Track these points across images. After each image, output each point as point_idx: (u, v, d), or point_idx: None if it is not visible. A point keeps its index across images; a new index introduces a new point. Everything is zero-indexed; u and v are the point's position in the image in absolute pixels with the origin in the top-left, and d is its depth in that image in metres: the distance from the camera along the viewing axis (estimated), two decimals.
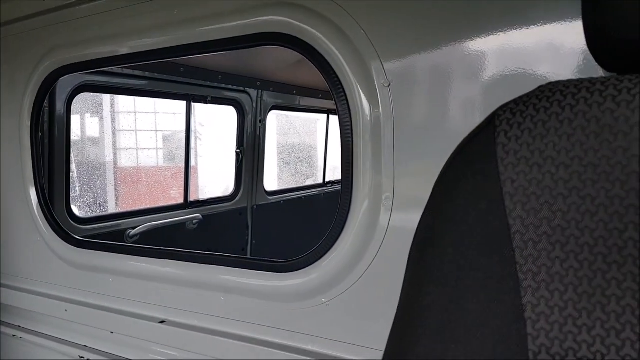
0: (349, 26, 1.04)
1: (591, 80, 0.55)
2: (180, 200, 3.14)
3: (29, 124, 1.66)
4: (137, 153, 3.85)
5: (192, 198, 3.18)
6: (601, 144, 0.52)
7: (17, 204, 1.75)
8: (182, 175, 3.14)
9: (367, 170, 1.06)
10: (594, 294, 0.52)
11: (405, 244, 0.68)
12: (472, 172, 0.59)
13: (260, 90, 3.39)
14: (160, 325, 1.42)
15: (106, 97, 3.34)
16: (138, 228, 2.68)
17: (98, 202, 3.18)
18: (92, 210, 3.12)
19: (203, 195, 3.41)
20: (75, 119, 2.66)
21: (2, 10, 1.57)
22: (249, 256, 3.41)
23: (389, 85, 1.02)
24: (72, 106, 2.29)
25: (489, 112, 0.62)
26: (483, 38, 0.92)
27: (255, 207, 3.52)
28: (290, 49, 1.14)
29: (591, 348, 0.51)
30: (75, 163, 2.90)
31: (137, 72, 2.63)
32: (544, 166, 0.55)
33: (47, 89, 1.64)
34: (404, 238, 1.02)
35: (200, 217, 3.08)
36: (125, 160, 3.77)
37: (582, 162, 0.53)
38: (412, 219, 1.02)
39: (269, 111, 3.53)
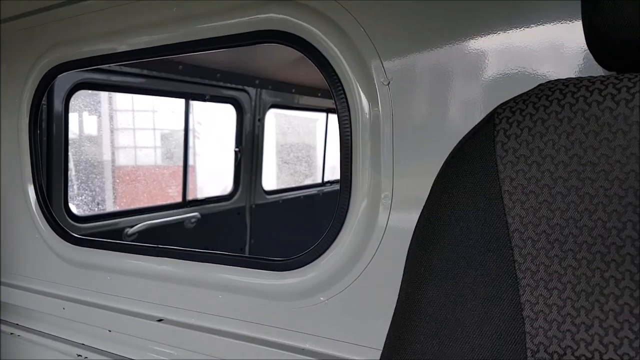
0: (348, 24, 1.04)
1: (590, 79, 0.55)
2: (179, 199, 3.14)
3: (27, 121, 1.66)
4: (135, 151, 3.84)
5: (190, 197, 3.17)
6: (600, 142, 0.52)
7: (16, 201, 1.75)
8: (181, 174, 3.14)
9: (366, 169, 1.06)
10: (592, 293, 0.52)
11: (404, 243, 0.68)
12: (471, 170, 0.59)
13: (259, 89, 3.38)
14: (158, 323, 1.42)
15: (104, 95, 3.33)
16: (136, 227, 2.68)
17: (96, 200, 3.18)
18: (90, 209, 3.11)
19: (201, 194, 3.41)
20: (73, 117, 2.66)
21: (1, 7, 1.57)
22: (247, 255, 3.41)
23: (388, 84, 1.02)
24: (70, 104, 2.29)
25: (488, 111, 0.62)
26: (483, 37, 0.92)
27: (253, 206, 3.52)
28: (290, 46, 1.14)
29: (589, 346, 0.52)
30: (73, 161, 2.90)
31: (135, 70, 2.63)
32: (543, 164, 0.55)
33: (45, 87, 1.63)
34: (403, 237, 1.02)
35: (199, 216, 3.08)
36: (123, 159, 3.76)
37: (581, 160, 0.53)
38: (411, 217, 1.02)
39: (268, 110, 3.53)
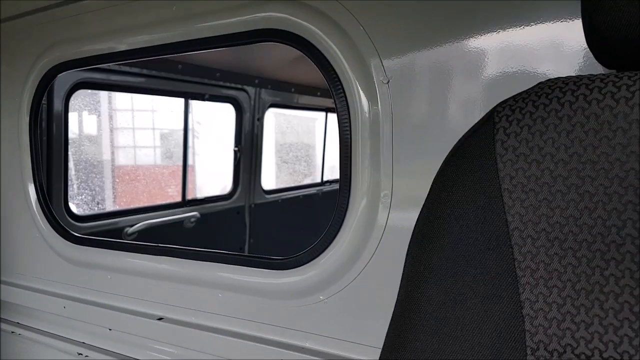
0: (348, 23, 1.04)
1: (590, 77, 0.55)
2: (178, 199, 3.14)
3: (27, 120, 1.66)
4: (134, 151, 3.84)
5: (189, 196, 3.17)
6: (600, 140, 0.52)
7: (16, 200, 1.75)
8: (180, 173, 3.14)
9: (365, 168, 1.06)
10: (592, 291, 0.52)
11: (403, 242, 0.68)
12: (470, 168, 0.59)
13: (258, 88, 3.38)
14: (158, 322, 1.42)
15: (104, 95, 3.33)
16: (136, 226, 2.68)
17: (96, 199, 3.17)
18: (89, 208, 3.11)
19: (201, 194, 3.41)
20: (73, 116, 2.66)
21: (1, 7, 1.56)
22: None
23: (387, 82, 1.01)
24: (70, 103, 2.29)
25: (488, 109, 0.62)
26: (483, 35, 0.92)
27: (252, 205, 3.52)
28: (289, 45, 1.14)
29: (589, 345, 0.52)
30: (72, 160, 2.90)
31: (135, 70, 2.63)
32: (543, 163, 0.55)
33: (45, 86, 1.63)
34: (402, 236, 1.02)
35: (198, 215, 3.08)
36: (123, 158, 3.76)
37: (580, 158, 0.53)
38: (410, 216, 1.02)
39: (267, 109, 3.53)
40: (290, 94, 3.78)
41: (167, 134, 3.88)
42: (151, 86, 2.84)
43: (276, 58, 2.90)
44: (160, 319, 1.43)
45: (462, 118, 0.96)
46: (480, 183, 0.58)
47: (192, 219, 3.04)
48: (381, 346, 0.66)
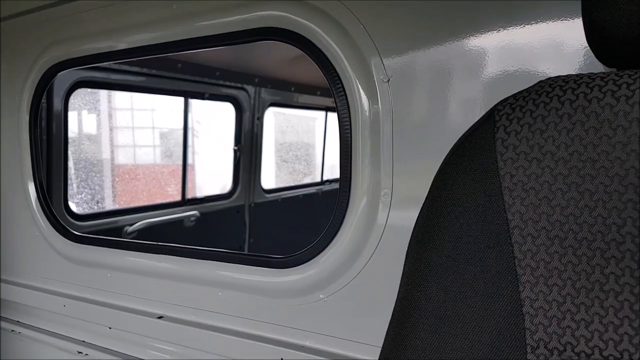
0: (348, 21, 1.04)
1: (591, 76, 0.56)
2: (178, 198, 3.14)
3: (27, 119, 1.66)
4: (134, 150, 3.84)
5: (189, 195, 3.17)
6: (600, 138, 0.53)
7: (16, 199, 1.75)
8: (180, 172, 3.14)
9: (365, 167, 1.06)
10: (592, 289, 0.52)
11: (403, 240, 0.68)
12: (471, 166, 0.59)
13: (258, 87, 3.38)
14: (158, 320, 1.42)
15: (103, 94, 3.33)
16: (135, 225, 2.68)
17: (95, 198, 3.18)
18: (89, 207, 3.11)
19: (200, 193, 3.41)
20: (72, 115, 2.66)
21: (1, 5, 1.56)
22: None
23: (388, 81, 1.01)
24: (70, 102, 2.29)
25: (488, 108, 0.62)
26: (483, 34, 0.92)
27: (252, 204, 3.52)
28: (289, 44, 1.14)
29: (589, 343, 0.52)
30: (72, 159, 2.90)
31: (134, 69, 2.63)
32: (543, 161, 0.55)
33: (45, 85, 1.63)
34: (402, 234, 1.02)
35: (198, 214, 3.08)
36: (122, 157, 3.76)
37: (581, 157, 0.53)
38: (410, 215, 1.02)
39: (267, 108, 3.53)
40: (290, 93, 3.78)
41: (166, 133, 3.88)
42: (151, 85, 2.84)
43: (276, 57, 2.90)
44: (160, 317, 1.43)
45: (463, 117, 0.96)
46: (480, 181, 0.58)
47: (192, 218, 3.05)
48: (381, 345, 0.66)
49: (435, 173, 0.64)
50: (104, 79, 2.55)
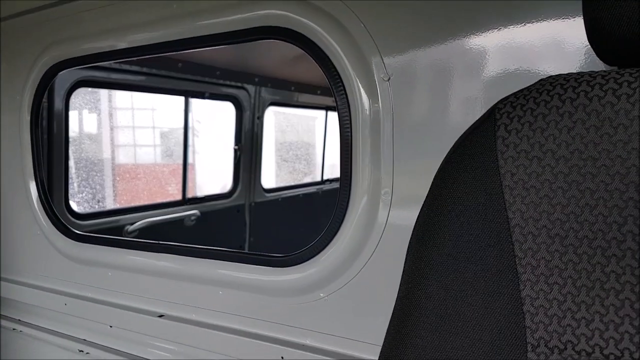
0: (348, 20, 1.04)
1: (592, 74, 0.56)
2: (178, 197, 3.14)
3: (28, 118, 1.66)
4: (134, 149, 3.84)
5: (190, 195, 3.18)
6: (601, 137, 0.52)
7: (17, 198, 1.75)
8: (180, 172, 3.14)
9: (366, 166, 1.06)
10: (592, 287, 0.52)
11: (404, 239, 0.68)
12: (471, 165, 0.59)
13: (258, 87, 3.38)
14: (158, 319, 1.42)
15: (104, 93, 3.33)
16: (136, 224, 2.68)
17: (96, 198, 3.18)
18: (90, 206, 3.11)
19: (201, 192, 3.41)
20: (73, 115, 2.66)
21: (1, 5, 1.56)
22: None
23: (388, 80, 1.01)
24: (70, 102, 2.29)
25: (489, 107, 0.62)
26: (484, 33, 0.92)
27: (252, 204, 3.52)
28: (290, 43, 1.14)
29: (590, 341, 0.52)
30: (73, 159, 2.90)
31: (135, 68, 2.63)
32: (544, 159, 0.55)
33: (46, 84, 1.63)
34: (403, 233, 1.02)
35: (198, 213, 3.08)
36: (123, 157, 3.76)
37: (581, 155, 0.53)
38: (411, 214, 1.02)
39: (267, 107, 3.53)
40: (290, 92, 3.78)
41: (167, 132, 3.88)
42: (151, 84, 2.84)
43: (276, 56, 2.90)
44: (160, 316, 1.43)
45: (463, 116, 0.96)
46: (481, 180, 0.58)
47: (193, 217, 3.05)
48: (382, 343, 0.66)
49: (435, 172, 0.64)
50: (105, 79, 2.55)
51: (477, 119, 0.63)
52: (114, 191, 3.51)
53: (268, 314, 1.24)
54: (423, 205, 0.65)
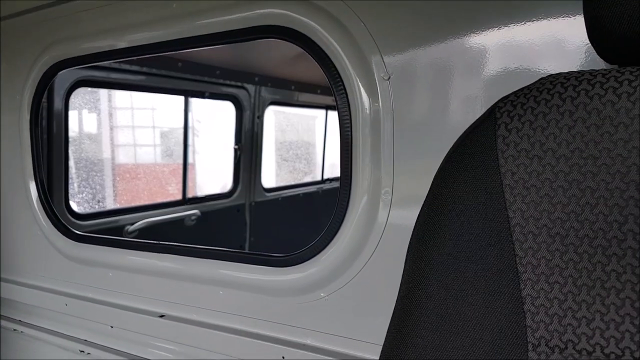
0: (348, 19, 1.04)
1: (592, 72, 0.55)
2: (179, 197, 3.14)
3: (28, 118, 1.66)
4: (134, 149, 3.84)
5: (190, 194, 3.18)
6: (602, 136, 0.52)
7: (17, 198, 1.75)
8: (180, 171, 3.14)
9: (366, 165, 1.06)
10: (593, 286, 0.52)
11: (404, 239, 0.68)
12: (472, 164, 0.59)
13: (258, 86, 3.38)
14: (159, 319, 1.42)
15: (104, 93, 3.33)
16: (136, 224, 2.68)
17: (96, 198, 3.18)
18: (90, 206, 3.11)
19: (201, 192, 3.41)
20: (73, 115, 2.66)
21: (1, 5, 1.56)
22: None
23: (388, 79, 1.01)
24: (70, 102, 2.29)
25: (489, 106, 0.62)
26: (484, 32, 0.92)
27: (253, 203, 3.52)
28: (290, 42, 1.14)
29: (590, 340, 0.52)
30: (73, 159, 2.90)
31: (134, 68, 2.63)
32: (544, 158, 0.55)
33: (45, 84, 1.63)
34: (403, 233, 1.02)
35: (199, 213, 3.08)
36: (123, 156, 3.76)
37: (582, 154, 0.53)
38: (411, 213, 1.02)
39: (267, 107, 3.53)
40: (291, 92, 3.78)
41: (167, 132, 3.88)
42: (151, 84, 2.84)
43: (276, 55, 2.90)
44: (161, 316, 1.43)
45: (463, 115, 0.96)
46: (481, 179, 0.58)
47: (193, 217, 3.05)
48: (382, 343, 0.66)
49: (435, 171, 0.64)
50: (105, 78, 2.55)
51: (477, 118, 0.63)
52: (114, 191, 3.51)
53: (269, 313, 1.24)
54: (423, 204, 0.64)
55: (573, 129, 0.54)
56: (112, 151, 3.53)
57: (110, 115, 3.47)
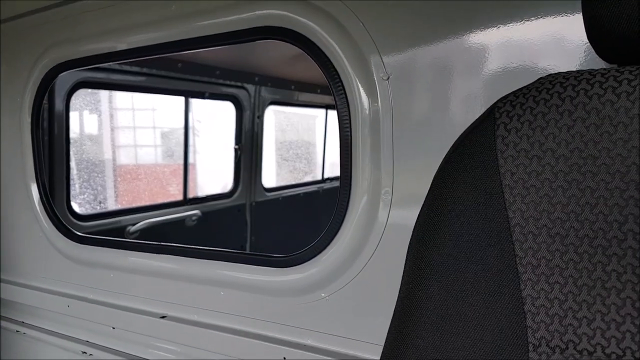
0: (347, 19, 1.04)
1: (591, 72, 0.55)
2: (180, 197, 3.14)
3: (29, 120, 1.66)
4: (135, 150, 3.85)
5: (191, 195, 3.18)
6: (601, 135, 0.52)
7: (19, 200, 1.75)
8: (181, 172, 3.14)
9: (366, 165, 1.06)
10: (594, 286, 0.52)
11: (404, 239, 0.68)
12: (471, 164, 0.59)
13: (258, 86, 3.38)
14: (161, 320, 1.42)
15: (104, 94, 3.33)
16: (138, 225, 2.69)
17: (98, 199, 3.18)
18: (92, 207, 3.12)
19: (202, 192, 3.41)
20: (74, 116, 2.66)
21: (1, 7, 1.56)
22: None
23: (387, 79, 1.01)
24: (71, 103, 2.29)
25: (489, 106, 0.61)
26: (483, 32, 0.92)
27: (253, 203, 3.52)
28: (289, 43, 1.14)
29: (591, 340, 0.52)
30: (74, 160, 2.90)
31: (135, 69, 2.63)
32: (544, 158, 0.55)
33: (46, 86, 1.63)
34: (403, 233, 1.02)
35: (199, 213, 3.08)
36: (124, 157, 3.77)
37: (581, 154, 0.53)
38: (411, 214, 1.02)
39: (267, 107, 3.53)
40: (290, 92, 3.78)
41: (167, 132, 3.88)
42: (151, 85, 2.84)
43: (276, 56, 2.90)
44: (163, 317, 1.43)
45: (463, 115, 0.96)
46: (481, 179, 0.58)
47: (194, 218, 3.05)
48: (383, 343, 0.66)
49: (435, 171, 0.64)
50: (105, 80, 2.56)
51: (476, 117, 0.63)
52: (115, 192, 3.51)
53: (269, 314, 1.24)
54: (423, 205, 0.64)
55: (572, 129, 0.54)
56: (113, 152, 3.53)
57: (111, 116, 3.47)
